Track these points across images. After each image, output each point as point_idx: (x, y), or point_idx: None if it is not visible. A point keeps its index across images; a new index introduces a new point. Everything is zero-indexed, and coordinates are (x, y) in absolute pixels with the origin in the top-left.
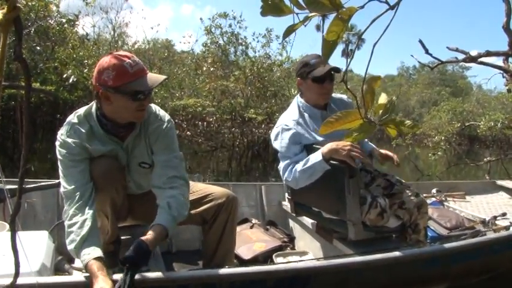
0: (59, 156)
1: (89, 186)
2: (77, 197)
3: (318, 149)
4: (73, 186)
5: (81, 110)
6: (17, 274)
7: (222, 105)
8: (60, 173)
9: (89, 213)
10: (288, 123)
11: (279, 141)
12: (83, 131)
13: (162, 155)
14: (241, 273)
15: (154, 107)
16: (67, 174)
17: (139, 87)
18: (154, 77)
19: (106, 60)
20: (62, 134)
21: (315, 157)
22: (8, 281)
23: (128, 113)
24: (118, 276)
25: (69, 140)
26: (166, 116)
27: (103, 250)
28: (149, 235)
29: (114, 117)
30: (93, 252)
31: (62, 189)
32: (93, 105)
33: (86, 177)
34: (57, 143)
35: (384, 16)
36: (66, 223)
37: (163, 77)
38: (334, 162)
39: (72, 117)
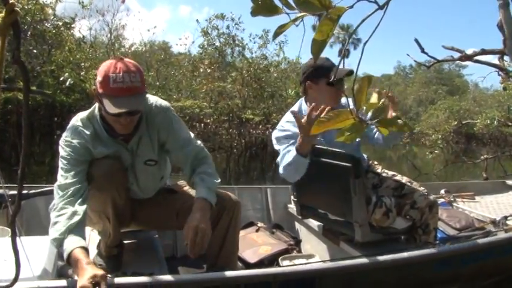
0: (62, 153)
1: (84, 185)
2: (70, 192)
3: (318, 149)
4: (69, 181)
5: (85, 113)
6: (17, 275)
7: (219, 107)
8: (60, 168)
9: (79, 207)
10: (283, 124)
11: (279, 143)
12: (88, 133)
13: (178, 144)
14: (246, 275)
15: (151, 98)
16: (66, 170)
17: (105, 106)
18: (128, 103)
19: (106, 64)
20: (66, 135)
21: (292, 153)
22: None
23: (111, 121)
24: (120, 280)
25: (75, 141)
26: (166, 104)
27: (105, 254)
28: (196, 208)
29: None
30: (78, 242)
31: (56, 184)
32: (96, 106)
33: (82, 178)
34: (61, 143)
35: (377, 16)
36: (53, 214)
37: (136, 107)
38: (339, 162)
39: (76, 120)
